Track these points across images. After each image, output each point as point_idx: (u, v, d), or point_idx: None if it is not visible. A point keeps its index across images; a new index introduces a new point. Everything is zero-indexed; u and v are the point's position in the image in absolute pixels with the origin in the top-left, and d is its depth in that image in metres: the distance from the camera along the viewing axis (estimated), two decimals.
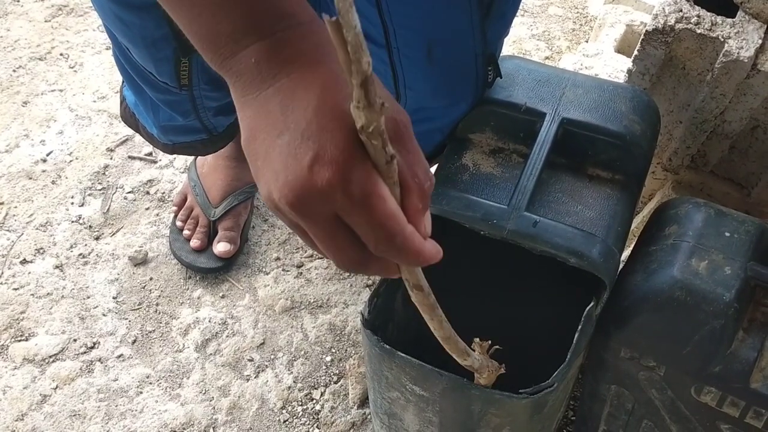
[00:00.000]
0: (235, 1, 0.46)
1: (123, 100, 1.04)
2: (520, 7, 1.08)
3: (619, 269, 0.73)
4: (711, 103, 0.88)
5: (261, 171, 0.45)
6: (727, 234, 0.70)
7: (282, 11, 0.46)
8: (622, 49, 1.39)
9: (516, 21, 1.60)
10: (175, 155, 1.33)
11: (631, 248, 0.77)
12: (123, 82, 0.99)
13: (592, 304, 0.69)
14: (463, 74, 0.78)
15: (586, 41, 1.55)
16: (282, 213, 0.45)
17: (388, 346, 0.68)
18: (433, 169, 0.78)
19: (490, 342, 0.62)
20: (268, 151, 0.44)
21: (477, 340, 0.61)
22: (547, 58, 1.54)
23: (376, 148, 0.41)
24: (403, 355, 0.67)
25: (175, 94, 0.87)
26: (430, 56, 0.77)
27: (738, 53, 0.82)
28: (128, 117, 1.05)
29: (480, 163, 0.79)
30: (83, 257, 1.20)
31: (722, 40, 0.83)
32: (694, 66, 0.88)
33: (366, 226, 0.43)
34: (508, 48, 1.53)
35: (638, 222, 1.04)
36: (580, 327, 0.68)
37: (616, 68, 1.31)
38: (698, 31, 0.84)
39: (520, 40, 1.57)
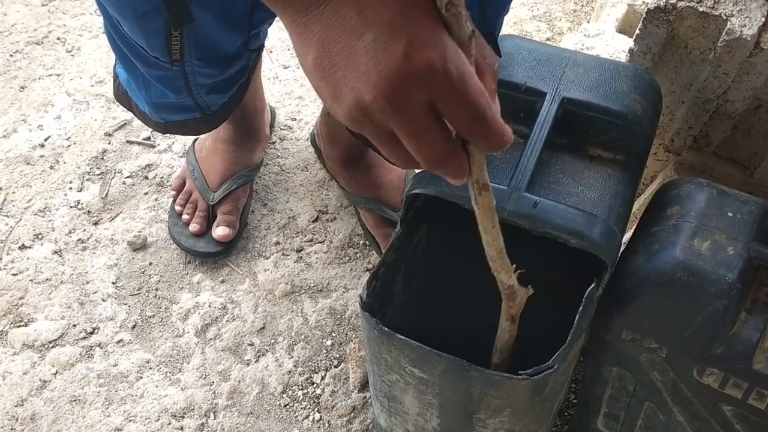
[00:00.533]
0: None
1: (116, 77, 1.03)
2: None
3: (621, 250, 0.73)
4: (713, 83, 0.87)
5: (342, 81, 0.45)
6: (730, 214, 0.69)
7: None
8: (624, 29, 1.37)
9: (517, 2, 1.58)
10: (173, 139, 1.33)
11: (632, 230, 0.77)
12: (116, 59, 0.98)
13: (593, 285, 0.68)
14: None
15: (588, 22, 1.53)
16: (372, 116, 0.45)
17: (386, 329, 0.67)
18: None
19: (514, 266, 0.62)
20: (350, 55, 0.44)
21: None
22: (548, 39, 1.53)
23: (460, 24, 0.43)
24: (401, 337, 0.67)
25: (167, 70, 0.85)
26: None
27: (741, 31, 0.81)
28: (121, 95, 1.04)
29: None
30: (82, 242, 1.20)
31: (725, 18, 0.82)
32: (696, 45, 0.87)
33: (461, 107, 0.44)
34: (508, 29, 1.51)
35: (640, 204, 1.03)
36: (581, 308, 0.67)
37: (617, 48, 1.30)
38: (701, 9, 0.83)
39: (520, 21, 1.56)
